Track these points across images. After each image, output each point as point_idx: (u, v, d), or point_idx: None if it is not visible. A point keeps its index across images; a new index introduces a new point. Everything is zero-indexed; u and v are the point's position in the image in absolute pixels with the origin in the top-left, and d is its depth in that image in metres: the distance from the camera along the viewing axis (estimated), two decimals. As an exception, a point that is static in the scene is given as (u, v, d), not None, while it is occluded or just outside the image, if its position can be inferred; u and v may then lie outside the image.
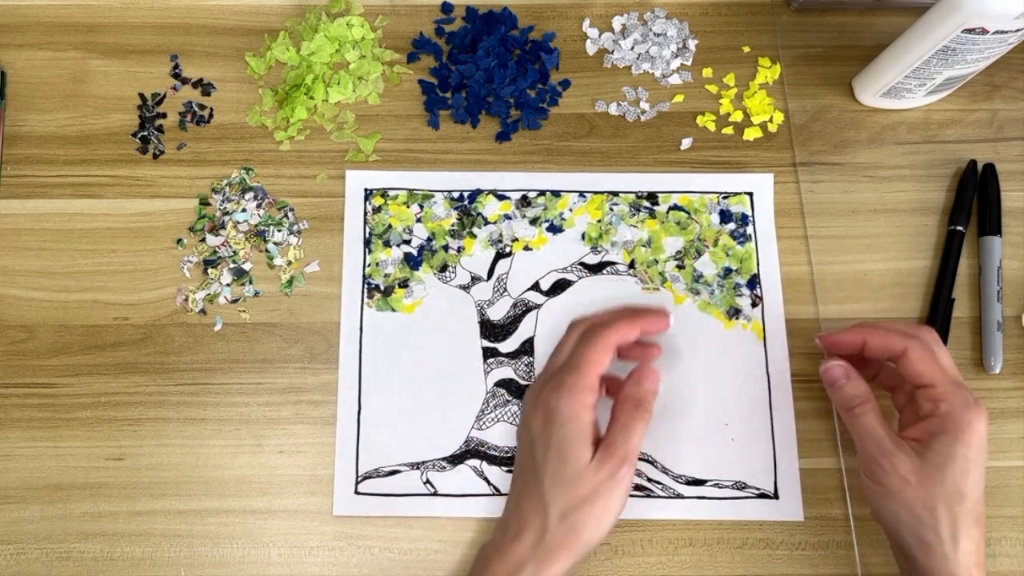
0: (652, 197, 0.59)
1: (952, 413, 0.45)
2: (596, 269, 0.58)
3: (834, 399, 0.51)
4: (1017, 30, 0.50)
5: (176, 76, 0.62)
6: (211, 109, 0.61)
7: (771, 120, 0.61)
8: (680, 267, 0.58)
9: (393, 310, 0.57)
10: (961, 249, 0.58)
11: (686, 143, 0.61)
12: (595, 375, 0.47)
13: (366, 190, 0.59)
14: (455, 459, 0.54)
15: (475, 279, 0.58)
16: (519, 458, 0.49)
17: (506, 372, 0.56)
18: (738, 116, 0.61)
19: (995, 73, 0.62)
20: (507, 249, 0.58)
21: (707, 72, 0.63)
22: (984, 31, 0.50)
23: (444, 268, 0.58)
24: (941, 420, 0.46)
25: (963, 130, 0.62)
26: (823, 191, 0.60)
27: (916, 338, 0.47)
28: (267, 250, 0.58)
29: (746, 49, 0.63)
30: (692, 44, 0.63)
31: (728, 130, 0.61)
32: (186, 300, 0.57)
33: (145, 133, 0.60)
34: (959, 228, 0.58)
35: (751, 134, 0.61)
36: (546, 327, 0.57)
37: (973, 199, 0.59)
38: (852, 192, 0.60)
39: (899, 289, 0.58)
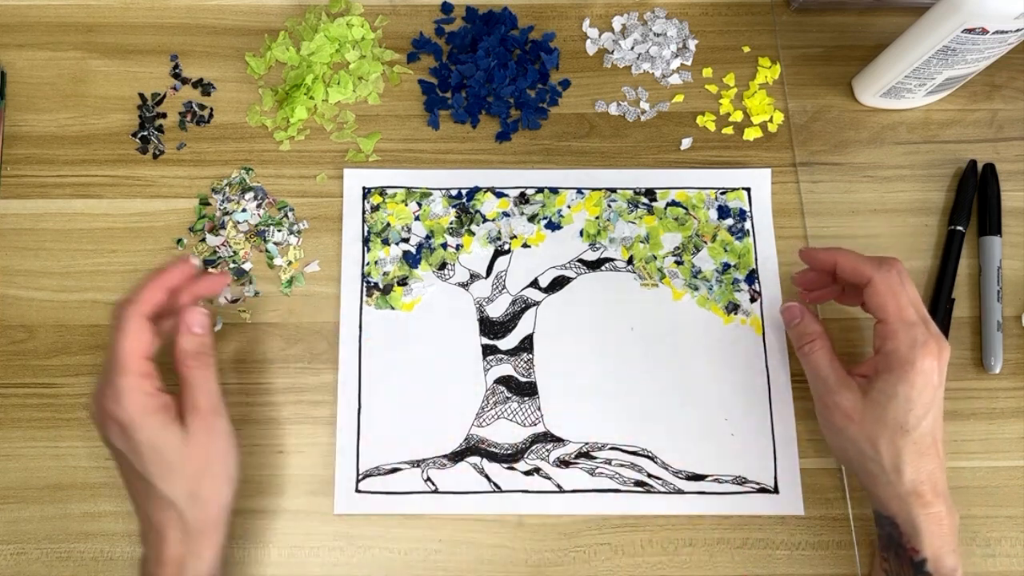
0: (650, 193, 0.59)
1: (897, 351, 0.46)
2: (595, 265, 0.58)
3: (791, 337, 0.53)
4: (1017, 30, 0.50)
5: (176, 76, 0.62)
6: (211, 109, 0.61)
7: (771, 120, 0.61)
8: (679, 263, 0.58)
9: (392, 308, 0.57)
10: (961, 249, 0.58)
11: (686, 143, 0.61)
12: (140, 360, 0.44)
13: (364, 189, 0.59)
14: (455, 456, 0.54)
15: (474, 276, 0.58)
16: (121, 471, 0.46)
17: (505, 369, 0.56)
18: (738, 116, 0.61)
19: (995, 73, 0.62)
20: (506, 246, 0.58)
21: (707, 72, 0.63)
22: (984, 31, 0.50)
23: (443, 266, 0.58)
24: (887, 358, 0.46)
25: (963, 130, 0.62)
26: (823, 191, 0.60)
27: (883, 270, 0.47)
28: (267, 250, 0.58)
29: (746, 49, 0.63)
30: (692, 44, 0.63)
31: (728, 130, 0.61)
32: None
33: (145, 133, 0.60)
34: (959, 228, 0.58)
35: (751, 134, 0.61)
36: (545, 324, 0.57)
37: (973, 199, 0.59)
38: (852, 192, 0.60)
39: (899, 289, 0.58)
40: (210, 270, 0.52)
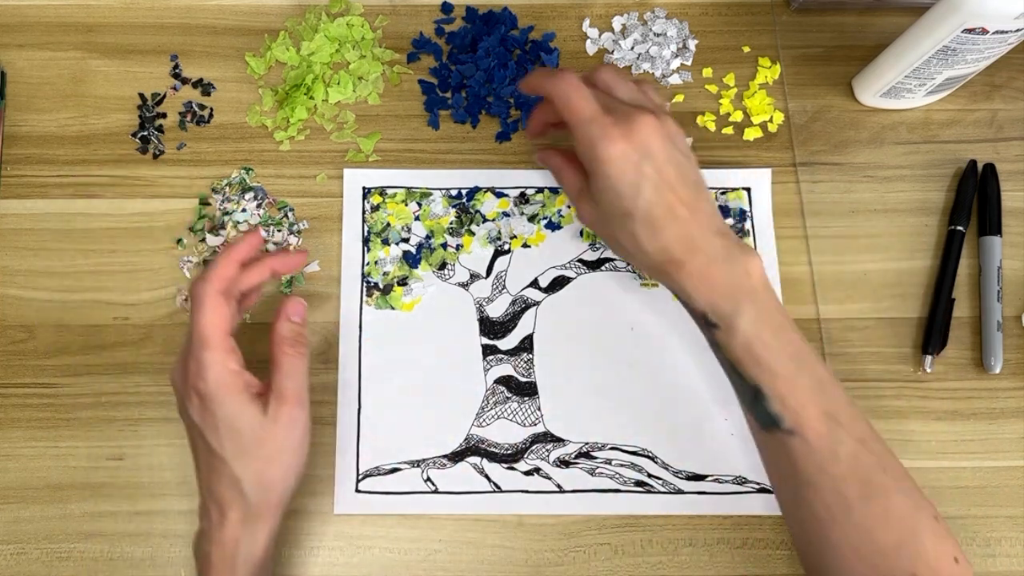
0: (651, 194, 0.59)
1: (584, 154, 0.47)
2: (595, 265, 0.58)
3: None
4: (1017, 30, 0.50)
5: (176, 76, 0.62)
6: (211, 109, 0.61)
7: (771, 120, 0.61)
8: (680, 266, 0.58)
9: (392, 308, 0.57)
10: (961, 249, 0.58)
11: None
12: (221, 335, 0.45)
13: (364, 189, 0.59)
14: (455, 456, 0.54)
15: (474, 276, 0.58)
16: (193, 444, 0.46)
17: (505, 369, 0.56)
18: (738, 116, 0.61)
19: (995, 73, 0.62)
20: (506, 246, 0.58)
21: (707, 72, 0.63)
22: (984, 31, 0.50)
23: (443, 266, 0.58)
24: (584, 160, 0.47)
25: (963, 130, 0.62)
26: (823, 191, 0.60)
27: (554, 79, 0.48)
28: (267, 250, 0.58)
29: (746, 49, 0.63)
30: (692, 44, 0.63)
31: (728, 130, 0.61)
32: (186, 300, 0.57)
33: (145, 133, 0.60)
34: (959, 228, 0.58)
35: (751, 134, 0.61)
36: (545, 324, 0.57)
37: (973, 199, 0.59)
38: (852, 192, 0.60)
39: (899, 289, 0.58)
40: (290, 248, 0.54)
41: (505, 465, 0.54)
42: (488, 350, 0.56)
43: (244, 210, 0.58)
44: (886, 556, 0.42)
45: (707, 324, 0.46)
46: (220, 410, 0.44)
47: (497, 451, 0.55)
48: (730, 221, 0.59)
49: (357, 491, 0.54)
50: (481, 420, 0.55)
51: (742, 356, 0.45)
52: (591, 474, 0.54)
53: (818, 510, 0.43)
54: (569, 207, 0.59)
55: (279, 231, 0.58)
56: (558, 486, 0.54)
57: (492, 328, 0.57)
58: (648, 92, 0.50)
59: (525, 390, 0.56)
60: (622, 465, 0.54)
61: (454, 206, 0.59)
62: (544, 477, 0.54)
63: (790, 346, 0.44)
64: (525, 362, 0.56)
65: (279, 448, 0.45)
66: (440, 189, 0.59)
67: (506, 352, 0.56)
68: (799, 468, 0.44)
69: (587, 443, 0.55)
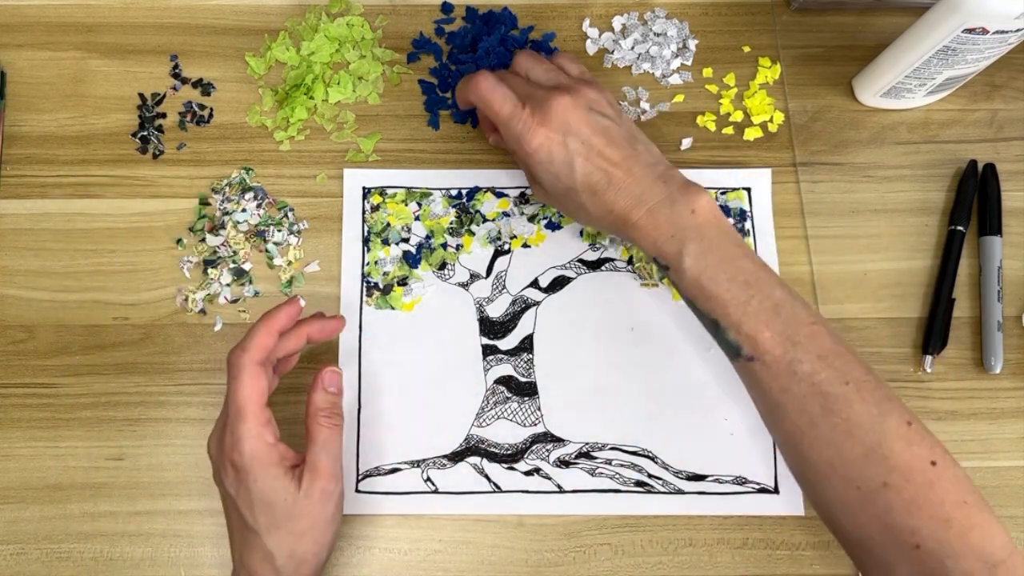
0: (651, 194, 0.59)
1: (515, 152, 0.50)
2: (595, 265, 0.58)
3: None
4: (1017, 30, 0.50)
5: (176, 76, 0.62)
6: (211, 109, 0.61)
7: (771, 120, 0.61)
8: (680, 266, 0.58)
9: (392, 308, 0.57)
10: (961, 249, 0.58)
11: (686, 143, 0.61)
12: (258, 407, 0.45)
13: (364, 189, 0.59)
14: (455, 456, 0.54)
15: (474, 276, 0.58)
16: (227, 513, 0.47)
17: (506, 369, 0.56)
18: (738, 116, 0.61)
19: (995, 73, 0.62)
20: (506, 246, 0.58)
21: (707, 72, 0.63)
22: (984, 31, 0.50)
23: (443, 266, 0.58)
24: (518, 157, 0.50)
25: (963, 130, 0.62)
26: (823, 191, 0.60)
27: (470, 83, 0.51)
28: (267, 250, 0.58)
29: (746, 49, 0.63)
30: (692, 44, 0.63)
31: (728, 130, 0.61)
32: (186, 300, 0.57)
33: (145, 133, 0.60)
34: (959, 228, 0.58)
35: (751, 134, 0.61)
36: (545, 324, 0.57)
37: (973, 199, 0.59)
38: (852, 192, 0.60)
39: (899, 289, 0.58)
40: (326, 314, 0.53)
41: (505, 465, 0.54)
42: (488, 350, 0.56)
43: (244, 210, 0.58)
44: (856, 466, 0.42)
45: (660, 267, 0.48)
46: (255, 484, 0.44)
47: (497, 451, 0.55)
48: (730, 221, 0.58)
49: (357, 491, 0.54)
50: (481, 420, 0.55)
51: (694, 292, 0.46)
52: (591, 474, 0.54)
53: (789, 429, 0.44)
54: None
55: (279, 231, 0.58)
56: (558, 486, 0.54)
57: (492, 328, 0.57)
58: (565, 66, 0.52)
59: (525, 390, 0.56)
60: (622, 465, 0.54)
61: (454, 206, 0.59)
62: (544, 477, 0.54)
63: (741, 274, 0.45)
64: (525, 362, 0.56)
65: (312, 523, 0.45)
66: (440, 189, 0.59)
67: (506, 352, 0.56)
68: (765, 391, 0.45)
69: (587, 443, 0.55)
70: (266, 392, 0.46)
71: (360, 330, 0.56)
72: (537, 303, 0.57)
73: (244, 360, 0.45)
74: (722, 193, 0.59)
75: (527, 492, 0.54)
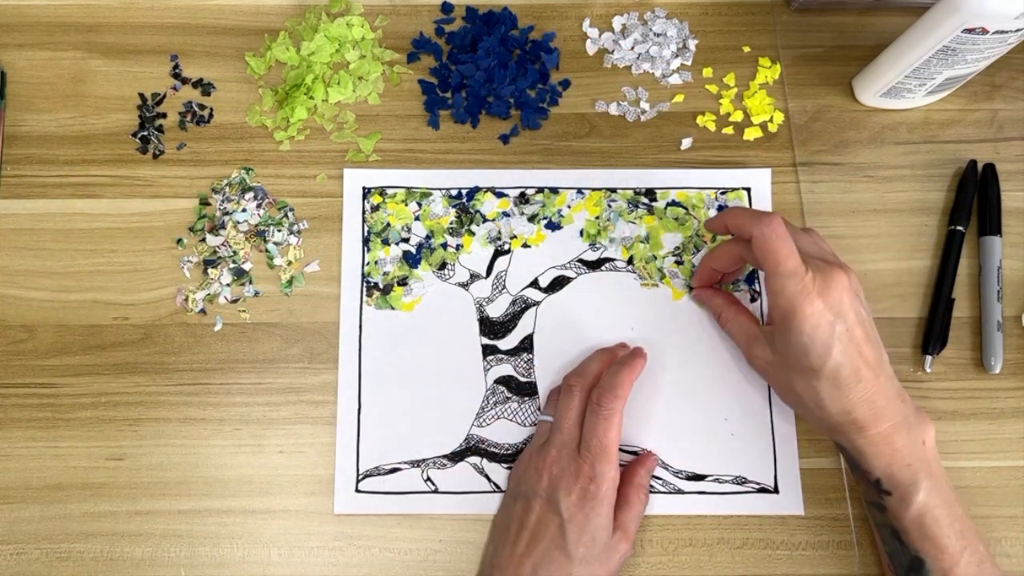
0: (650, 193, 0.59)
1: (778, 305, 0.47)
2: (595, 265, 0.58)
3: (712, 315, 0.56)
4: (1017, 30, 0.50)
5: (176, 76, 0.62)
6: (211, 109, 0.61)
7: (771, 120, 0.61)
8: (679, 263, 0.58)
9: (392, 308, 0.57)
10: (961, 249, 0.58)
11: (686, 143, 0.61)
12: (617, 452, 0.49)
13: (364, 189, 0.59)
14: (455, 456, 0.54)
15: (474, 276, 0.58)
16: (536, 521, 0.49)
17: (505, 369, 0.56)
18: (738, 116, 0.61)
19: (995, 73, 0.62)
20: (506, 246, 0.58)
21: (707, 72, 0.63)
22: (984, 31, 0.50)
23: (443, 266, 0.58)
24: (775, 311, 0.47)
25: (963, 130, 0.62)
26: (823, 191, 0.60)
27: (761, 225, 0.47)
28: (267, 250, 0.58)
29: (746, 49, 0.63)
30: (692, 44, 0.63)
31: (728, 130, 0.61)
32: (186, 300, 0.57)
33: (145, 133, 0.60)
34: (959, 228, 0.58)
35: (751, 134, 0.61)
36: (545, 324, 0.57)
37: (973, 199, 0.59)
38: (852, 192, 0.60)
39: (899, 289, 0.58)
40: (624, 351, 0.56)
41: (505, 465, 0.54)
42: (488, 350, 0.56)
43: (244, 210, 0.58)
44: None
45: (878, 490, 0.47)
46: (596, 518, 0.48)
47: (497, 451, 0.55)
48: None
49: (357, 491, 0.54)
50: (481, 420, 0.55)
51: (910, 527, 0.46)
52: (591, 474, 0.54)
53: None
54: (570, 207, 0.59)
55: (279, 231, 0.58)
56: (558, 486, 0.54)
57: (492, 328, 0.57)
58: (819, 242, 0.50)
59: (525, 390, 0.56)
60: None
61: (454, 206, 0.59)
62: (544, 477, 0.54)
63: (958, 522, 0.46)
64: (525, 362, 0.56)
65: (610, 571, 0.48)
66: (440, 189, 0.59)
67: (506, 352, 0.56)
68: None
69: (587, 443, 0.55)
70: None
71: (360, 330, 0.56)
72: (537, 303, 0.57)
73: (618, 406, 0.50)
74: (722, 193, 0.59)
75: (527, 492, 0.54)
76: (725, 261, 0.53)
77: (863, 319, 0.46)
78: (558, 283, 0.58)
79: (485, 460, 0.54)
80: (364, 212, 0.59)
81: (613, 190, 0.59)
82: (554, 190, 0.59)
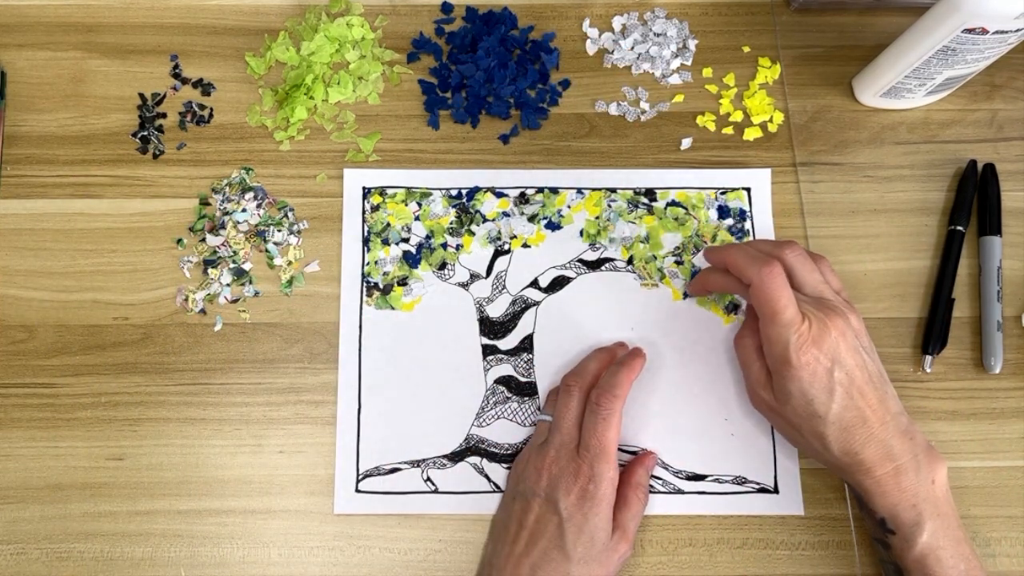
0: (650, 193, 0.59)
1: (772, 354, 0.47)
2: (595, 265, 0.58)
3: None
4: (1017, 30, 0.50)
5: (176, 76, 0.62)
6: (211, 109, 0.61)
7: (771, 120, 0.61)
8: (679, 263, 0.58)
9: (392, 308, 0.57)
10: (961, 249, 0.58)
11: (686, 143, 0.61)
12: (615, 452, 0.49)
13: (364, 189, 0.59)
14: (455, 456, 0.54)
15: (474, 276, 0.58)
16: (535, 520, 0.49)
17: (505, 369, 0.56)
18: (738, 116, 0.61)
19: (995, 73, 0.62)
20: (506, 246, 0.58)
21: (707, 72, 0.63)
22: (984, 31, 0.50)
23: (443, 266, 0.58)
24: (772, 359, 0.47)
25: (963, 130, 0.62)
26: (823, 191, 0.60)
27: (762, 272, 0.46)
28: (267, 250, 0.58)
29: (746, 49, 0.63)
30: (692, 44, 0.63)
31: (728, 130, 0.61)
32: (186, 300, 0.57)
33: (145, 133, 0.60)
34: (959, 228, 0.58)
35: (751, 134, 0.61)
36: (545, 324, 0.57)
37: (973, 199, 0.59)
38: (852, 192, 0.60)
39: (899, 289, 0.58)
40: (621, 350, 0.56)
41: (505, 465, 0.54)
42: (488, 350, 0.56)
43: (244, 210, 0.58)
44: None
45: (883, 528, 0.47)
46: (594, 518, 0.48)
47: (497, 451, 0.55)
48: (730, 221, 0.59)
49: (357, 491, 0.54)
50: (481, 420, 0.55)
51: (913, 567, 0.46)
52: (591, 474, 0.54)
53: None
54: (570, 207, 0.59)
55: (279, 231, 0.58)
56: (558, 486, 0.54)
57: (492, 328, 0.57)
58: (827, 275, 0.50)
59: (525, 390, 0.56)
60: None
61: (454, 206, 0.59)
62: (544, 477, 0.54)
63: (963, 562, 0.45)
64: (525, 362, 0.56)
65: (608, 571, 0.48)
66: (440, 189, 0.59)
67: (506, 352, 0.56)
68: None
69: (587, 443, 0.55)
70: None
71: (360, 330, 0.56)
72: (537, 303, 0.57)
73: (617, 406, 0.50)
74: (722, 193, 0.59)
75: (527, 492, 0.54)
76: (720, 289, 0.53)
77: (863, 362, 0.46)
78: (558, 283, 0.58)
79: (485, 460, 0.54)
80: (364, 212, 0.59)
81: (613, 190, 0.59)
82: (554, 190, 0.59)
